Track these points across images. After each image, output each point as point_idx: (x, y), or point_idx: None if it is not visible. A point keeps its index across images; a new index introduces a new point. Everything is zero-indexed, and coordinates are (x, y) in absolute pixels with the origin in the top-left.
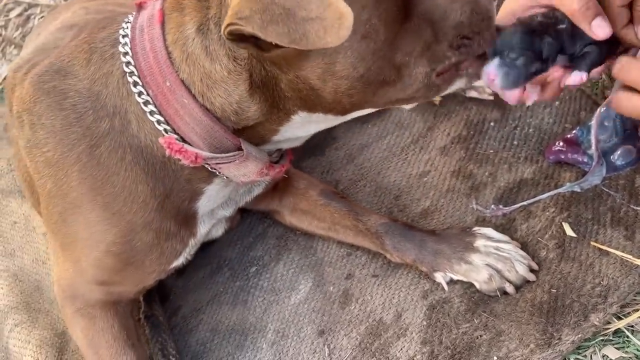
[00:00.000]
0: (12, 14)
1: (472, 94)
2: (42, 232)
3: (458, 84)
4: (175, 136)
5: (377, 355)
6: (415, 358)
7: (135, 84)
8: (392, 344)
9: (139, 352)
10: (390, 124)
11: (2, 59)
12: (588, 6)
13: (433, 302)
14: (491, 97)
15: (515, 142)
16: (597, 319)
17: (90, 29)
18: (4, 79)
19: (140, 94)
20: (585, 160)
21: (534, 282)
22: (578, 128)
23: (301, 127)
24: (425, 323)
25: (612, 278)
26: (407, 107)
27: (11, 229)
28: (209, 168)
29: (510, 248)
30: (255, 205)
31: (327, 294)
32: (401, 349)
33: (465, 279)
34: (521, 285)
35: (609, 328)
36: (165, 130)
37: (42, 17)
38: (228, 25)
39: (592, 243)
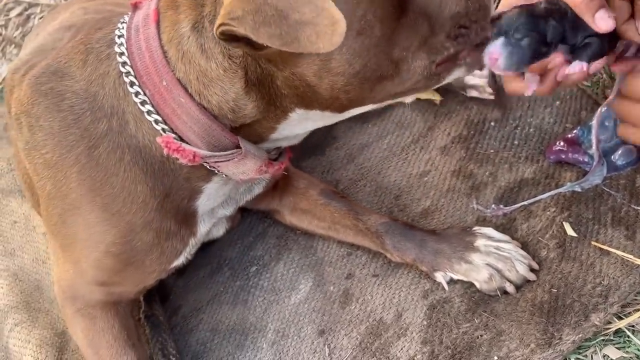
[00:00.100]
0: (12, 14)
1: (473, 93)
2: (42, 232)
3: (457, 74)
4: (173, 135)
5: (377, 355)
6: (415, 358)
7: (132, 84)
8: (393, 343)
9: (139, 352)
10: (391, 124)
11: (2, 59)
12: None
13: (433, 301)
14: (492, 97)
15: (516, 142)
16: (598, 319)
17: (86, 30)
18: (3, 79)
19: (137, 94)
20: (586, 160)
21: (534, 281)
22: (579, 128)
23: (299, 124)
24: (425, 323)
25: (613, 278)
26: (408, 100)
27: (11, 229)
28: (208, 166)
29: (510, 248)
30: (255, 205)
31: (327, 293)
32: (401, 349)
33: (465, 279)
34: (522, 285)
35: (609, 328)
36: (163, 129)
37: (42, 17)
38: (220, 25)
39: (593, 243)
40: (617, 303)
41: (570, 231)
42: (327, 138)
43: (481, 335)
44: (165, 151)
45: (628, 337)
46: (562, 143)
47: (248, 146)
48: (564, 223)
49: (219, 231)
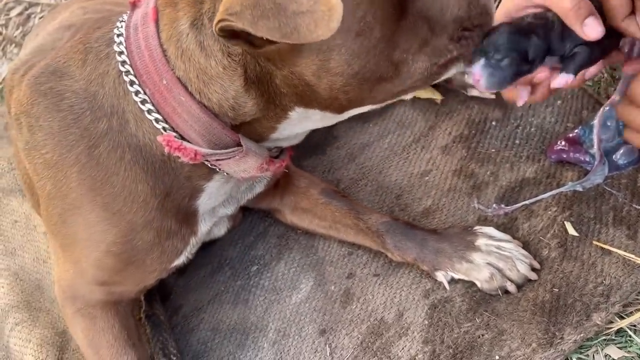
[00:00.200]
0: (13, 13)
1: (474, 92)
2: (42, 231)
3: (455, 69)
4: (174, 134)
5: (378, 355)
6: (416, 357)
7: (131, 83)
8: (394, 343)
9: (139, 352)
10: (392, 123)
11: (3, 58)
12: (580, 6)
13: (434, 301)
14: (493, 96)
15: (517, 141)
16: (600, 319)
17: (85, 29)
18: (3, 79)
19: (137, 93)
20: (588, 159)
21: (535, 281)
22: (580, 127)
23: (299, 124)
24: (426, 322)
25: (615, 277)
26: (407, 97)
27: (12, 228)
28: (209, 165)
29: (511, 247)
30: (256, 204)
31: (328, 293)
32: (403, 348)
33: (466, 278)
34: (523, 284)
35: (611, 327)
36: (163, 128)
37: (42, 16)
38: (219, 21)
39: (595, 242)
40: (619, 302)
41: (571, 230)
42: (328, 137)
43: (482, 335)
44: (166, 150)
45: (630, 336)
46: (563, 142)
47: (249, 144)
48: (565, 222)
49: (220, 230)
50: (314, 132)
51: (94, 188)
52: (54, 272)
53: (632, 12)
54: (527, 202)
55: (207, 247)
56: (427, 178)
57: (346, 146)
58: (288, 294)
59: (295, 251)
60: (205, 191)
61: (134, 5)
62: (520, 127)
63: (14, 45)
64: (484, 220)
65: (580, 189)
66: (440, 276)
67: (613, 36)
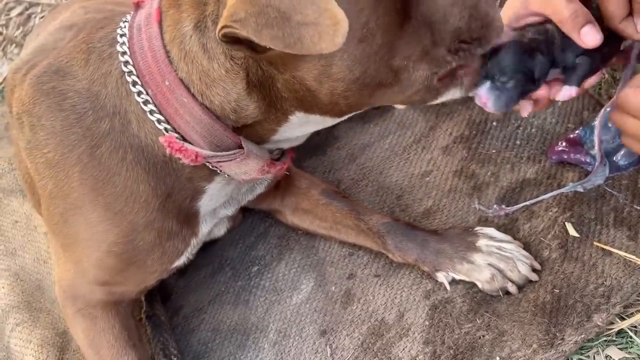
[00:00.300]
0: (13, 13)
1: None
2: (43, 232)
3: (453, 93)
4: (176, 135)
5: (379, 356)
6: (417, 358)
7: (134, 83)
8: (395, 344)
9: (140, 352)
10: (392, 124)
11: (3, 58)
12: (577, 14)
13: (435, 302)
14: None
15: (518, 142)
16: (600, 320)
17: (88, 29)
18: (4, 78)
19: (139, 93)
20: (588, 160)
21: (536, 282)
22: (581, 128)
23: (299, 127)
24: (427, 323)
25: (615, 278)
26: (400, 106)
27: (12, 228)
28: (210, 166)
29: (512, 248)
30: (257, 205)
31: (329, 293)
32: (403, 349)
33: (467, 279)
34: (524, 285)
35: (612, 328)
36: (165, 129)
37: (42, 16)
38: (222, 27)
39: (595, 243)
40: (620, 303)
41: (572, 231)
42: (328, 138)
43: (483, 336)
44: (167, 151)
45: (630, 337)
46: (564, 143)
47: (250, 146)
48: (566, 223)
49: (220, 230)
50: (314, 133)
51: (96, 188)
52: (55, 272)
53: (630, 14)
54: (527, 202)
55: (208, 247)
56: (427, 179)
57: (347, 147)
58: (289, 294)
59: (296, 252)
60: (206, 192)
61: (137, 6)
62: (520, 128)
63: (14, 45)
64: (485, 221)
65: (581, 190)
66: (441, 277)
67: (613, 41)
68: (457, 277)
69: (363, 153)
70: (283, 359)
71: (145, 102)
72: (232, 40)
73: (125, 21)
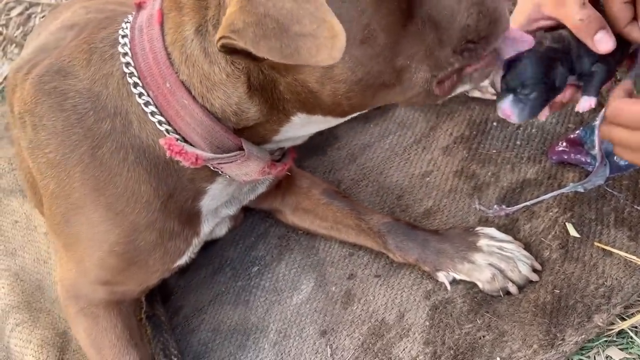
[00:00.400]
0: (13, 13)
1: (475, 93)
2: (43, 232)
3: (462, 89)
4: (177, 137)
5: (379, 356)
6: (417, 358)
7: (135, 84)
8: (395, 344)
9: (142, 351)
10: (393, 124)
11: (4, 58)
12: (590, 20)
13: (436, 302)
14: (494, 97)
15: (518, 142)
16: (601, 320)
17: (90, 29)
18: (5, 78)
19: (140, 94)
20: (589, 160)
21: (537, 282)
22: (581, 128)
23: (301, 127)
24: (427, 323)
25: (616, 279)
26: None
27: (12, 228)
28: (212, 167)
29: (513, 248)
30: (257, 204)
31: (329, 294)
32: (404, 350)
33: (468, 279)
34: (524, 286)
35: (612, 329)
36: (166, 130)
37: (43, 16)
38: (221, 38)
39: (596, 243)
40: (620, 304)
41: (573, 232)
42: (329, 138)
43: (483, 336)
44: (167, 153)
45: (631, 338)
46: (564, 143)
47: (251, 148)
48: (566, 224)
49: (222, 230)
50: (316, 133)
51: (97, 188)
52: (57, 271)
53: (634, 18)
54: (528, 203)
55: (208, 247)
56: (428, 179)
57: (347, 147)
58: (289, 294)
59: (296, 252)
60: (208, 193)
61: (139, 6)
62: (521, 128)
63: (14, 45)
64: (485, 221)
65: (582, 190)
66: (442, 277)
67: (623, 45)
68: (458, 276)
69: (363, 153)
70: (283, 359)
71: (147, 104)
72: (231, 50)
73: (127, 22)
